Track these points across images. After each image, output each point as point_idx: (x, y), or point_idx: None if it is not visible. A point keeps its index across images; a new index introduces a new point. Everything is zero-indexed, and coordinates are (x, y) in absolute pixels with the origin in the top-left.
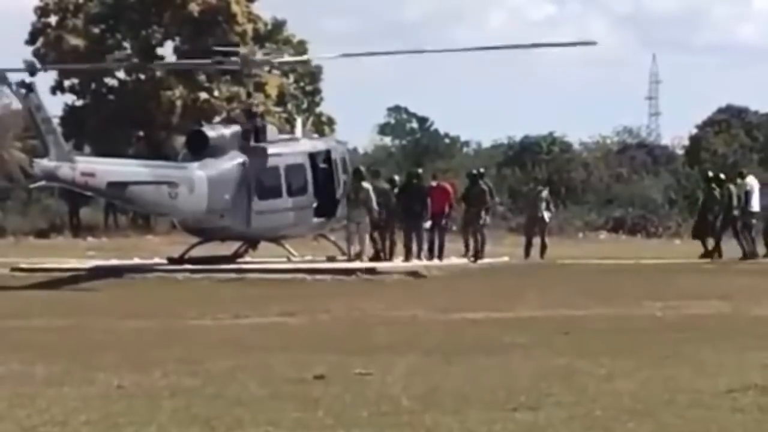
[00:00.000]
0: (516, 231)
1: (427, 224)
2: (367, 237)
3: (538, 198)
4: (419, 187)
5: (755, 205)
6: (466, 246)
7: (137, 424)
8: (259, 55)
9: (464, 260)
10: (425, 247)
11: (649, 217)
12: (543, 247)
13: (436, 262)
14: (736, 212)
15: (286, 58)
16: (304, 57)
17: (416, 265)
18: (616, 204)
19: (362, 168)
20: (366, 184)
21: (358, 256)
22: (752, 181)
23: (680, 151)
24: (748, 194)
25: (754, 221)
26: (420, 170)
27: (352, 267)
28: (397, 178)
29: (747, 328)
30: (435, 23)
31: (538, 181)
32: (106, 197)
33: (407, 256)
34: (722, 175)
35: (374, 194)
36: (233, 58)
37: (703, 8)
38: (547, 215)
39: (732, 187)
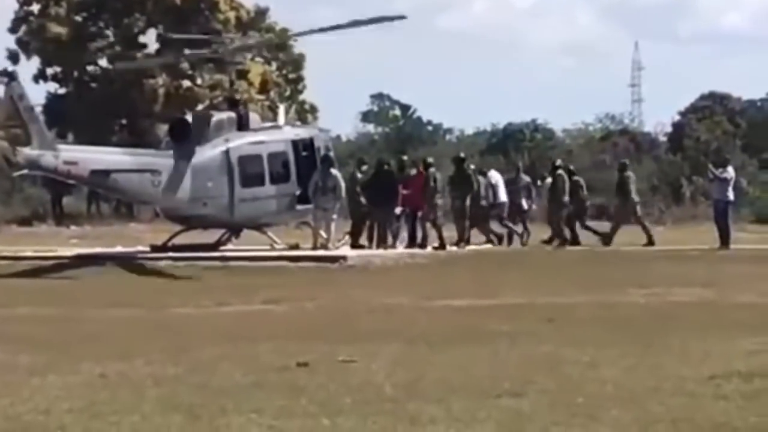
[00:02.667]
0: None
1: (397, 210)
2: (333, 224)
3: (518, 186)
4: (387, 175)
5: (501, 196)
6: (460, 233)
7: (121, 412)
8: (237, 42)
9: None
10: (404, 235)
11: None
12: (527, 234)
13: (419, 250)
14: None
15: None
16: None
17: (399, 252)
18: (598, 191)
19: (331, 155)
20: (334, 171)
21: (324, 244)
22: (495, 175)
23: (663, 138)
24: (494, 187)
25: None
26: (405, 157)
27: (336, 255)
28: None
29: (731, 315)
30: (423, 12)
31: (518, 169)
32: (89, 185)
33: (378, 245)
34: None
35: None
36: (215, 46)
37: None
38: (525, 203)
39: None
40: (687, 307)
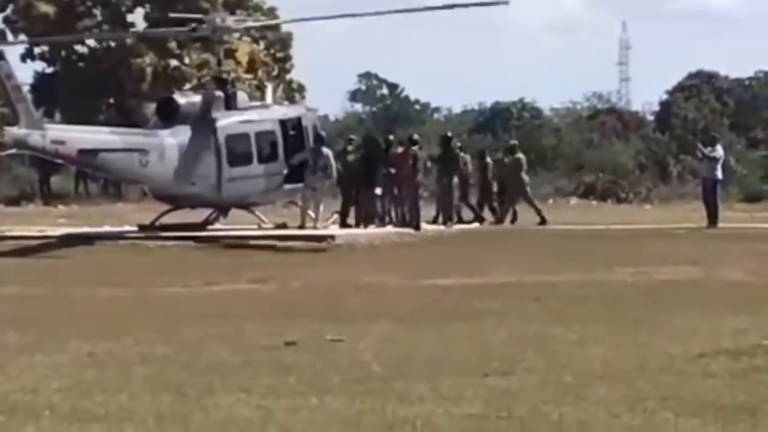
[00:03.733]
0: None
1: (378, 191)
2: (322, 204)
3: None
4: (371, 153)
5: None
6: (446, 212)
7: (109, 391)
8: (229, 22)
9: (436, 226)
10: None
11: (619, 182)
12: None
13: (408, 229)
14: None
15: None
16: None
17: (386, 231)
18: (586, 170)
19: (323, 134)
20: (326, 150)
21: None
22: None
23: (650, 117)
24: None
25: None
26: (391, 136)
27: (324, 234)
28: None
29: (718, 294)
30: None
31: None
32: (77, 165)
33: (365, 223)
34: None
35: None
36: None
37: None
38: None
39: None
40: (674, 285)
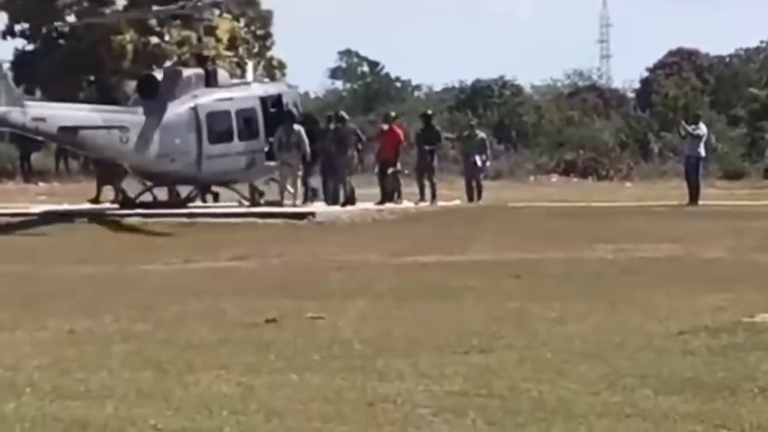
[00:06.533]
0: None
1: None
2: (299, 180)
3: (472, 143)
4: (341, 130)
5: None
6: (422, 190)
7: (89, 368)
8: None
9: (415, 204)
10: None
11: (600, 159)
12: (478, 191)
13: (388, 205)
14: None
15: None
16: None
17: (366, 209)
18: (567, 147)
19: (294, 111)
20: (297, 127)
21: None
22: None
23: (631, 94)
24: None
25: None
26: (343, 113)
27: (304, 212)
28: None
29: (698, 271)
30: None
31: (472, 127)
32: (58, 142)
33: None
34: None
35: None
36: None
37: None
38: (479, 160)
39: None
40: (654, 262)
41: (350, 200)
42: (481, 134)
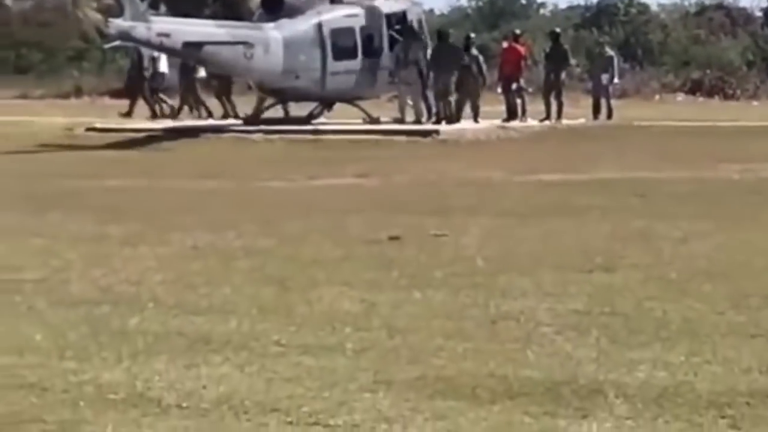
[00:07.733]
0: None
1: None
2: (420, 98)
3: (600, 61)
4: (449, 47)
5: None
6: (548, 108)
7: (212, 284)
8: None
9: (540, 122)
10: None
11: (726, 79)
12: (608, 110)
13: (513, 123)
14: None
15: None
16: None
17: (491, 126)
18: (693, 66)
19: (414, 26)
20: (417, 44)
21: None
22: None
23: (759, 13)
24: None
25: None
26: (472, 35)
27: (427, 129)
28: (473, 35)
29: None
30: None
31: (601, 44)
32: (182, 57)
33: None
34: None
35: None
36: None
37: None
38: (604, 78)
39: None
40: None
41: (450, 119)
42: (610, 52)
